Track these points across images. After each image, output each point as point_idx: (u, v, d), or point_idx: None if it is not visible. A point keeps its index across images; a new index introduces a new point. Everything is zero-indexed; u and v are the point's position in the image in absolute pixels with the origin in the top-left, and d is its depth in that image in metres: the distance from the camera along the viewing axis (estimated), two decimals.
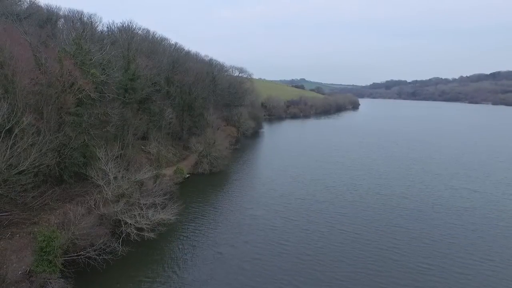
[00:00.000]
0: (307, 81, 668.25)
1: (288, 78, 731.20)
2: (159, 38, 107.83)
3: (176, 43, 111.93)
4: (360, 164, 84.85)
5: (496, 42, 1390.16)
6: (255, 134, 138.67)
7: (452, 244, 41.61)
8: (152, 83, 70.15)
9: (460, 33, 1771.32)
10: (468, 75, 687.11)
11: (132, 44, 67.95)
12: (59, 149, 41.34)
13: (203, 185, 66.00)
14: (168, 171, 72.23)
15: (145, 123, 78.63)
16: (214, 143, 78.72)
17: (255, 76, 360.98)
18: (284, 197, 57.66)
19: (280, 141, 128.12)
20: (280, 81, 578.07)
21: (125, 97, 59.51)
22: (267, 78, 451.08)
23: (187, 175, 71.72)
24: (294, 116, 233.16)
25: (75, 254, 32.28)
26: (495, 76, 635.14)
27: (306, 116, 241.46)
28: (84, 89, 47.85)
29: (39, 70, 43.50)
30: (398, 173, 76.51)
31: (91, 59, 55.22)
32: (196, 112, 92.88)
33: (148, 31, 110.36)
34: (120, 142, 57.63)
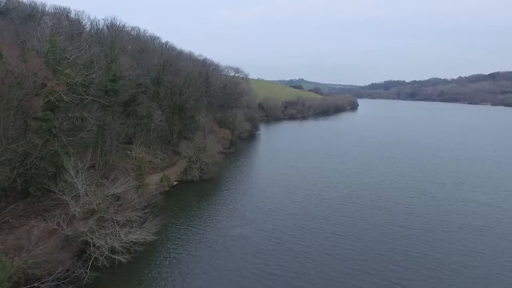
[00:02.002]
0: (305, 81, 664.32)
1: (287, 78, 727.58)
2: (149, 36, 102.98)
3: (167, 42, 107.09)
4: (358, 172, 79.33)
5: (495, 43, 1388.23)
6: (251, 137, 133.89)
7: (469, 277, 35.49)
8: (137, 84, 65.31)
9: (459, 33, 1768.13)
10: (466, 76, 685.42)
11: (115, 42, 63.16)
12: (20, 159, 36.58)
13: (191, 195, 61.17)
14: (155, 178, 67.60)
15: (131, 126, 74.08)
16: (205, 147, 74.03)
17: (254, 76, 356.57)
18: (275, 212, 52.18)
19: (276, 145, 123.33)
20: (279, 81, 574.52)
21: (105, 99, 54.65)
22: (266, 78, 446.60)
23: (175, 183, 67.05)
24: (291, 117, 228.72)
25: (28, 286, 27.56)
26: (493, 76, 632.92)
27: (304, 117, 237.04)
28: (55, 91, 43.23)
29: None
30: (401, 183, 70.87)
31: (67, 58, 50.65)
32: (187, 115, 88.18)
33: (138, 29, 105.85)
34: (99, 148, 52.92)
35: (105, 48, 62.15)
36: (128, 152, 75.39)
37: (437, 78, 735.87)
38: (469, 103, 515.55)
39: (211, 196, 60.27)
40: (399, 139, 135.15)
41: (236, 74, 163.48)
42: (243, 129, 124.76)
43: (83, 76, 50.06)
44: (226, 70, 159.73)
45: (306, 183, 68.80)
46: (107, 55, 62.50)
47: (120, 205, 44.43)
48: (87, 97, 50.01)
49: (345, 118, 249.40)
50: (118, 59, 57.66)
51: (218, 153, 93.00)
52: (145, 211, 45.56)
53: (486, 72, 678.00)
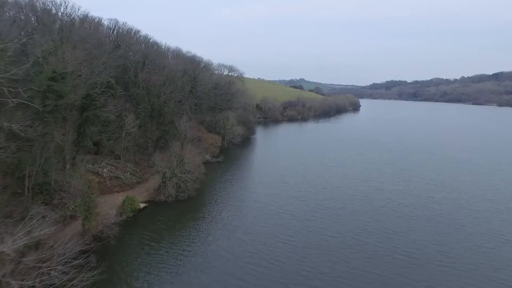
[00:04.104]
0: (306, 81, 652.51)
1: (287, 78, 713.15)
2: (126, 30, 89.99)
3: (146, 35, 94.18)
4: (367, 192, 64.55)
5: (497, 43, 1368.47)
6: (246, 142, 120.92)
7: None
8: (92, 84, 52.49)
9: (460, 33, 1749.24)
10: (469, 76, 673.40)
11: (65, 31, 50.36)
12: None
13: (157, 225, 47.78)
14: (120, 199, 54.83)
15: (96, 134, 61.58)
16: (182, 160, 61.20)
17: (254, 76, 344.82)
18: (258, 259, 38.02)
19: (272, 152, 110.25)
20: (279, 81, 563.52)
21: (44, 103, 41.86)
22: (266, 78, 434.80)
23: (142, 206, 54.22)
24: (291, 119, 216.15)
25: None
26: (497, 76, 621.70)
27: (304, 118, 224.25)
28: None
29: None
30: (423, 209, 55.44)
31: None
32: (166, 120, 75.43)
33: (116, 21, 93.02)
34: (27, 169, 39.93)
35: (53, 38, 49.36)
36: (90, 165, 62.75)
37: (439, 78, 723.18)
38: (474, 103, 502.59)
39: (181, 229, 46.71)
40: (410, 146, 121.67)
41: (230, 73, 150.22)
42: (236, 133, 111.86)
43: (9, 73, 37.37)
44: (219, 68, 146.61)
45: (302, 210, 54.37)
46: (56, 47, 49.84)
47: (48, 251, 31.70)
48: (12, 100, 37.37)
49: (348, 120, 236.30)
50: (57, 51, 44.75)
51: (204, 163, 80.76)
52: (82, 258, 33.01)
53: (490, 72, 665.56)
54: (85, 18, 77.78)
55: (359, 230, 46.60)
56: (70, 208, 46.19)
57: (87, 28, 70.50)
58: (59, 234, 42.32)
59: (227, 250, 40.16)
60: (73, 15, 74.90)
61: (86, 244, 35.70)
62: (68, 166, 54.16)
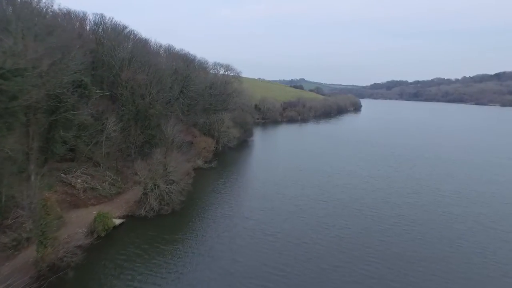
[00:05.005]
0: (306, 81, 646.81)
1: (288, 78, 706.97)
2: (112, 25, 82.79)
3: (133, 31, 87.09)
4: (370, 205, 56.54)
5: (498, 42, 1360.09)
6: (243, 145, 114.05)
7: None
8: (59, 83, 45.54)
9: (460, 33, 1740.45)
10: (471, 76, 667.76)
11: (19, 20, 43.33)
12: None
13: (132, 247, 40.74)
14: (95, 214, 47.91)
15: (70, 139, 54.72)
16: (167, 169, 54.35)
17: (254, 76, 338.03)
18: None
19: (270, 156, 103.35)
20: (279, 81, 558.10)
21: None
22: (266, 78, 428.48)
23: (118, 222, 47.37)
24: (291, 120, 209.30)
25: None
26: (499, 76, 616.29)
27: (304, 119, 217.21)
28: None
29: None
30: (435, 226, 47.84)
31: None
32: (152, 123, 68.49)
33: (102, 16, 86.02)
34: None
35: (11, 29, 42.40)
36: (63, 175, 55.87)
37: (440, 78, 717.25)
38: (476, 103, 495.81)
39: (157, 254, 38.82)
40: (415, 150, 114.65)
41: (226, 72, 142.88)
42: (231, 136, 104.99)
43: None
44: (214, 67, 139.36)
45: (300, 230, 46.31)
46: (16, 41, 42.95)
47: None
48: None
49: (349, 121, 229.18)
50: (15, 45, 37.84)
51: (195, 169, 74.39)
52: None
53: (491, 72, 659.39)
54: (48, 7, 70.23)
55: (366, 260, 39.13)
56: (28, 229, 39.28)
57: (53, 19, 62.97)
58: (11, 262, 35.65)
59: (218, 276, 33.13)
60: (34, 3, 67.66)
61: (31, 282, 28.93)
62: (33, 177, 47.31)
